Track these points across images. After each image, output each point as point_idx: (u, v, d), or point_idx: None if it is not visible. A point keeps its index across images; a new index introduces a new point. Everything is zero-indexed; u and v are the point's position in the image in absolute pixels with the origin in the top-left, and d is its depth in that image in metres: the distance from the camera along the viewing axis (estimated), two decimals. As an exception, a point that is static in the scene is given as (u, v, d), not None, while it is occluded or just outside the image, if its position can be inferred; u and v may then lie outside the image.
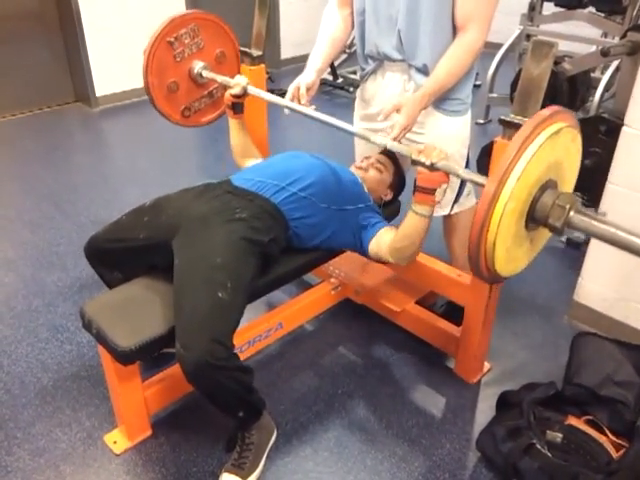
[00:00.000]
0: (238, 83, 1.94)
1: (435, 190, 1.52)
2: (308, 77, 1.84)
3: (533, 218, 1.27)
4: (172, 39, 2.05)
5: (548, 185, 1.27)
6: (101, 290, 1.85)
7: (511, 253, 1.31)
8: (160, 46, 2.03)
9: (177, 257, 1.58)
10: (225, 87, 2.02)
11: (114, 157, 3.98)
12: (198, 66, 2.13)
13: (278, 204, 1.70)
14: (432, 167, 1.47)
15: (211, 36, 2.14)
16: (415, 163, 1.51)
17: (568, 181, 1.38)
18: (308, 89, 1.82)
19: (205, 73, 2.12)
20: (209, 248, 1.55)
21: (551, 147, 1.22)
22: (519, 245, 1.33)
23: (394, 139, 1.68)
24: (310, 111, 1.75)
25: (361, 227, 1.79)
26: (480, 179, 1.39)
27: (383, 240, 1.73)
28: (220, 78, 2.07)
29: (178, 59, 2.09)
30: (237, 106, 2.00)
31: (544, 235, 1.42)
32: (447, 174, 1.49)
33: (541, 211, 1.26)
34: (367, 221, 1.79)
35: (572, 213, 1.24)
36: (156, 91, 2.09)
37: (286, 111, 1.83)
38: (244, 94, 1.95)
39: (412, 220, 1.60)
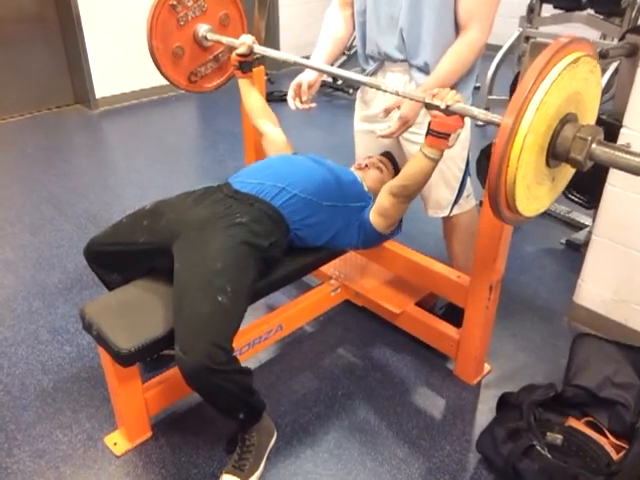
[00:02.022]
0: (244, 42, 1.96)
1: (449, 135, 1.49)
2: (310, 75, 1.86)
3: (554, 153, 1.23)
4: (175, 2, 2.03)
5: (568, 118, 1.22)
6: (101, 292, 1.85)
7: (532, 191, 1.26)
8: (163, 10, 2.01)
9: (177, 262, 1.58)
10: (231, 49, 2.02)
11: (114, 159, 3.99)
12: (202, 29, 2.12)
13: (279, 207, 1.70)
14: (447, 110, 1.44)
15: None
16: (429, 107, 1.47)
17: (589, 114, 1.32)
18: (310, 87, 1.84)
19: (210, 36, 2.11)
20: (209, 253, 1.55)
21: (570, 77, 1.17)
22: (540, 183, 1.28)
23: (392, 133, 1.69)
24: (325, 67, 1.76)
25: (362, 218, 1.82)
26: (498, 118, 1.33)
27: (381, 197, 1.73)
28: (225, 39, 2.07)
29: (182, 23, 2.08)
30: (245, 65, 2.01)
31: (566, 174, 1.37)
32: (462, 117, 1.46)
33: (562, 145, 1.21)
34: (366, 210, 1.81)
35: (594, 145, 1.20)
36: (162, 56, 2.08)
37: (292, 106, 1.84)
38: (250, 53, 1.96)
39: (420, 161, 1.58)
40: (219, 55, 2.23)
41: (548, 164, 1.26)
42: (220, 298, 1.46)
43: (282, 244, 1.72)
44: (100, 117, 4.55)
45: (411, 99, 1.57)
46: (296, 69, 1.90)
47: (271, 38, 5.40)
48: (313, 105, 1.84)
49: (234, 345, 1.48)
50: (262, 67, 2.23)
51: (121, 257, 1.74)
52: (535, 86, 1.12)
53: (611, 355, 1.88)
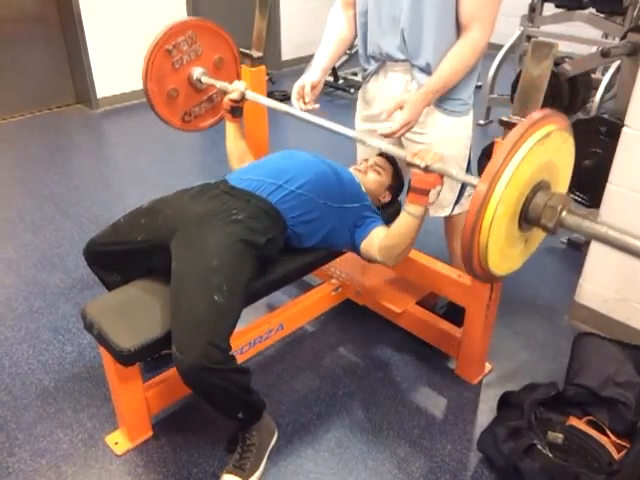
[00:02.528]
0: (236, 88, 1.97)
1: (429, 191, 1.53)
2: (313, 76, 1.85)
3: (526, 219, 1.28)
4: (170, 47, 2.06)
5: (540, 186, 1.27)
6: (102, 291, 1.85)
7: (505, 253, 1.32)
8: (159, 54, 2.05)
9: (174, 259, 1.58)
10: (224, 92, 2.03)
11: (115, 158, 3.99)
12: (197, 72, 2.15)
13: (275, 203, 1.70)
14: (426, 169, 1.48)
15: (209, 42, 2.16)
16: (410, 165, 1.52)
17: (562, 181, 1.39)
18: (313, 87, 1.84)
19: (204, 79, 2.14)
20: (205, 250, 1.55)
21: (541, 150, 1.23)
22: (513, 245, 1.33)
23: (394, 133, 1.69)
24: (308, 116, 1.76)
25: (356, 226, 1.79)
26: (473, 180, 1.40)
27: (375, 239, 1.73)
28: (219, 84, 2.09)
29: (177, 66, 2.11)
30: (236, 110, 2.02)
31: (539, 235, 1.42)
32: (441, 176, 1.50)
33: (533, 212, 1.26)
34: (363, 220, 1.79)
35: (564, 213, 1.25)
36: (156, 98, 2.11)
37: (296, 107, 1.84)
38: (242, 99, 1.97)
39: (404, 219, 1.60)
40: (213, 96, 2.26)
41: (521, 227, 1.31)
42: (216, 297, 1.46)
43: (279, 241, 1.72)
44: (101, 117, 4.55)
45: (393, 155, 1.63)
46: (297, 69, 1.90)
47: (272, 38, 5.40)
48: (316, 106, 1.84)
49: (235, 344, 1.48)
50: (263, 67, 2.23)
51: (120, 257, 1.74)
52: (507, 160, 1.18)
53: (612, 354, 1.87)
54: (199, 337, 1.40)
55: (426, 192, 1.52)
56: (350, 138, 1.71)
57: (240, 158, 2.07)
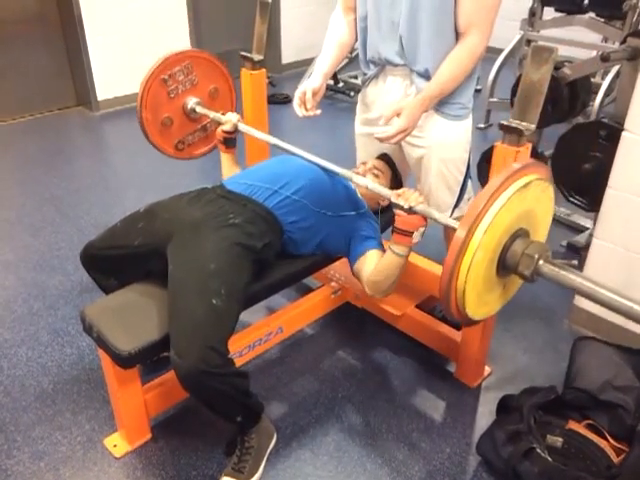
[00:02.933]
0: (229, 120, 2.00)
1: (412, 233, 1.55)
2: (315, 82, 1.86)
3: (504, 265, 1.31)
4: (166, 77, 2.10)
5: (519, 234, 1.30)
6: (102, 294, 1.85)
7: (483, 298, 1.34)
8: (154, 83, 2.08)
9: (171, 263, 1.58)
10: (218, 122, 2.06)
11: (115, 161, 3.99)
12: (192, 102, 2.18)
13: (271, 208, 1.70)
14: (410, 210, 1.51)
15: (205, 73, 2.19)
16: (394, 206, 1.55)
17: (540, 230, 1.42)
18: (314, 94, 1.84)
19: (198, 109, 2.18)
20: (203, 254, 1.55)
21: (520, 199, 1.26)
22: (491, 290, 1.36)
23: (389, 138, 1.69)
24: (299, 151, 1.80)
25: (352, 237, 1.79)
26: (454, 224, 1.42)
27: (366, 265, 1.72)
28: (212, 114, 2.12)
29: (172, 95, 2.14)
30: (229, 141, 2.04)
31: (517, 281, 1.44)
32: (424, 218, 1.52)
33: (511, 259, 1.29)
34: (359, 233, 1.79)
35: (541, 262, 1.28)
36: (150, 126, 2.15)
37: (298, 113, 1.86)
38: (235, 130, 2.00)
39: (389, 258, 1.62)
40: (207, 125, 2.29)
41: (499, 273, 1.33)
42: (214, 301, 1.46)
43: (275, 246, 1.72)
44: (101, 119, 4.55)
45: (379, 194, 1.65)
46: (297, 72, 1.91)
47: (273, 41, 5.41)
48: (318, 112, 1.85)
49: (235, 347, 1.48)
50: (264, 70, 2.24)
51: (117, 261, 1.74)
52: (485, 209, 1.21)
53: (611, 358, 1.87)
54: (197, 341, 1.40)
55: (410, 233, 1.55)
56: (337, 174, 1.74)
57: None
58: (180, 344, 1.42)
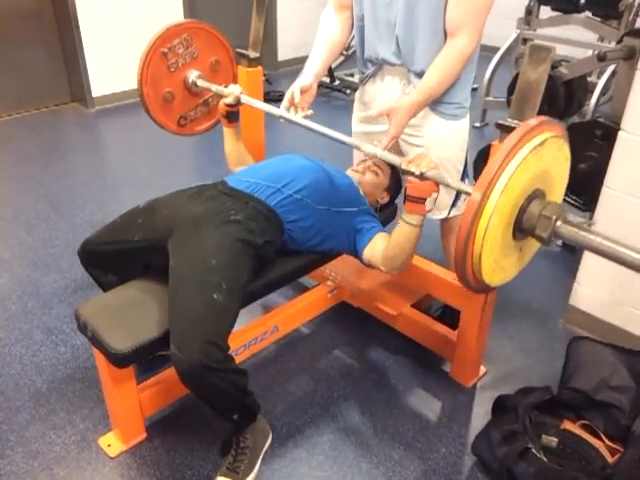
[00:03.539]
0: (232, 92, 1.95)
1: (425, 199, 1.52)
2: (304, 81, 1.81)
3: (520, 228, 1.27)
4: (166, 50, 2.05)
5: (535, 195, 1.27)
6: (96, 292, 1.84)
7: (499, 263, 1.31)
8: (154, 57, 2.03)
9: (172, 258, 1.57)
10: (220, 96, 2.02)
11: (110, 158, 3.98)
12: (193, 75, 2.13)
13: (273, 206, 1.70)
14: (422, 176, 1.47)
15: (205, 45, 2.15)
16: (405, 173, 1.51)
17: (557, 190, 1.38)
18: (304, 92, 1.80)
19: (200, 82, 2.13)
20: (204, 250, 1.55)
21: (536, 159, 1.22)
22: (507, 255, 1.33)
23: (383, 149, 1.68)
24: (302, 120, 1.74)
25: (356, 231, 1.79)
26: (468, 189, 1.38)
27: (377, 248, 1.72)
28: (214, 87, 2.07)
29: (172, 69, 2.10)
30: (231, 115, 2.00)
31: (533, 245, 1.41)
32: (437, 183, 1.49)
33: (528, 221, 1.26)
34: (362, 225, 1.79)
35: (559, 223, 1.24)
36: (152, 102, 2.10)
37: (281, 120, 1.82)
38: (238, 103, 1.96)
39: (403, 229, 1.60)
40: (209, 100, 2.25)
41: (515, 237, 1.30)
42: (215, 296, 1.45)
43: (276, 243, 1.72)
44: (97, 116, 4.53)
45: (388, 163, 1.62)
46: (294, 70, 1.89)
47: (269, 38, 5.40)
48: (309, 112, 1.79)
49: (230, 346, 1.47)
50: (260, 67, 2.23)
51: (116, 256, 1.73)
52: (501, 169, 1.17)
53: (607, 358, 1.88)
54: (198, 335, 1.40)
55: (422, 200, 1.52)
56: (344, 144, 1.70)
57: (238, 160, 2.06)
58: (181, 338, 1.41)
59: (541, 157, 1.23)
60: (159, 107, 2.13)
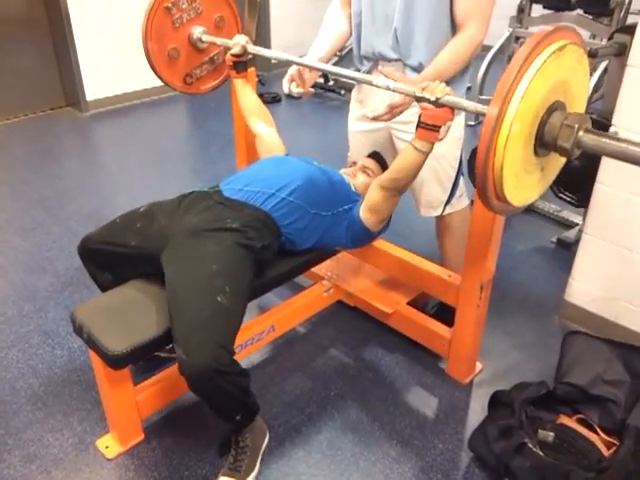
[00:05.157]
0: (238, 42, 1.98)
1: (440, 127, 1.49)
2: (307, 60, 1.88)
3: (542, 141, 1.23)
4: (169, 4, 2.04)
5: (555, 107, 1.22)
6: (92, 295, 1.84)
7: (521, 180, 1.26)
8: (158, 12, 2.03)
9: (168, 268, 1.57)
10: (226, 51, 2.04)
11: (105, 161, 3.97)
12: (197, 31, 2.14)
13: (269, 211, 1.70)
14: (437, 103, 1.45)
15: (209, 0, 2.14)
16: (419, 100, 1.48)
17: (577, 103, 1.32)
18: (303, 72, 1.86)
19: (205, 37, 2.13)
20: (203, 257, 1.55)
21: (555, 65, 1.16)
22: (529, 172, 1.28)
23: (381, 115, 1.69)
24: (315, 62, 1.79)
25: (350, 219, 1.81)
26: (483, 109, 1.33)
27: (371, 192, 1.73)
28: (220, 40, 2.09)
29: (177, 25, 2.09)
30: (239, 65, 2.04)
31: (555, 164, 1.37)
32: (452, 110, 1.47)
33: (549, 133, 1.20)
34: (353, 211, 1.81)
35: (581, 132, 1.20)
36: (157, 58, 2.10)
37: (289, 90, 1.86)
38: (244, 52, 1.99)
39: (410, 154, 1.58)
40: (214, 57, 2.25)
41: (537, 153, 1.26)
42: (220, 299, 1.45)
43: (273, 247, 1.72)
44: (91, 119, 4.53)
45: (401, 93, 1.58)
46: (286, 71, 1.90)
47: (262, 40, 5.40)
48: (311, 90, 1.84)
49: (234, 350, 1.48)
50: (253, 69, 2.23)
51: (113, 258, 1.73)
52: (520, 74, 1.12)
53: (601, 353, 1.89)
54: (208, 339, 1.39)
55: (437, 128, 1.49)
56: (356, 80, 1.69)
57: (253, 111, 2.07)
58: (189, 343, 1.40)
59: (560, 65, 1.18)
60: (164, 64, 2.13)
